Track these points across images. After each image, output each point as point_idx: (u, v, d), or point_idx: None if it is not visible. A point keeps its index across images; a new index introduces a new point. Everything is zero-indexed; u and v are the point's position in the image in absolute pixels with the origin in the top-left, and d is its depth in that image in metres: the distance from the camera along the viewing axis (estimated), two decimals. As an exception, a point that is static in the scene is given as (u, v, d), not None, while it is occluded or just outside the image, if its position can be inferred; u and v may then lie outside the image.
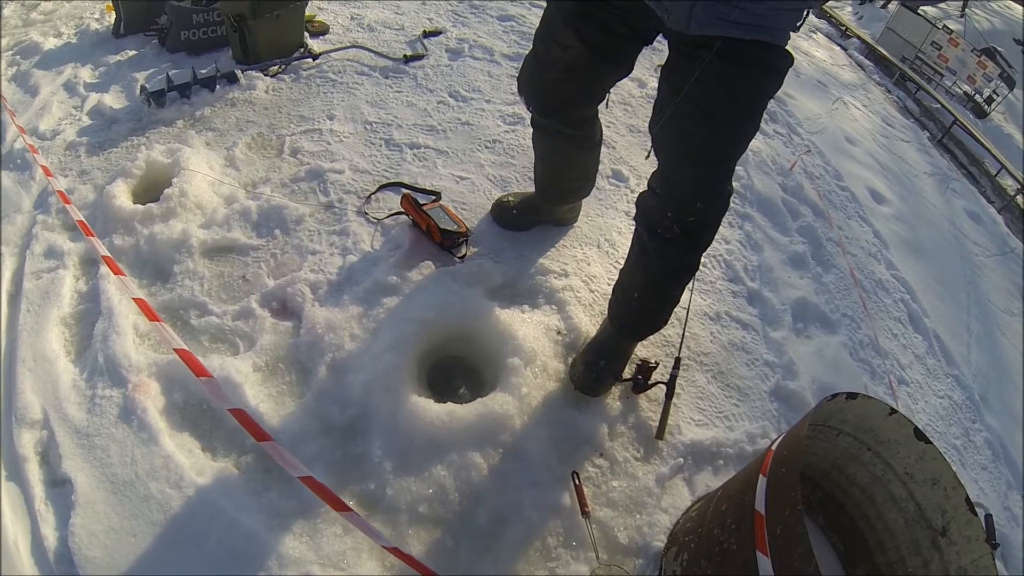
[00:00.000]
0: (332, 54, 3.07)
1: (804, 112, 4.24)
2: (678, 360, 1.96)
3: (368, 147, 2.59)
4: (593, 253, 2.34)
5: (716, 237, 2.27)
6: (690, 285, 2.28)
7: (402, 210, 2.21)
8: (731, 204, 2.54)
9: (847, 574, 1.71)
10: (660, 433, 1.86)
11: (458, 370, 1.97)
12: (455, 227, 2.16)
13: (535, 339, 1.92)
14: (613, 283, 1.93)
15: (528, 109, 1.85)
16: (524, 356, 1.85)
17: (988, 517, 1.50)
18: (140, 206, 2.09)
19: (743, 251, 2.70)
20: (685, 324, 2.19)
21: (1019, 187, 5.52)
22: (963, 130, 6.08)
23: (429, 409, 1.69)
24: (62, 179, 2.24)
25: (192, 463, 1.60)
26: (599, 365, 1.87)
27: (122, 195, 2.10)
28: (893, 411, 1.44)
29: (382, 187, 2.37)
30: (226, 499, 1.55)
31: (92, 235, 1.68)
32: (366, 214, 2.24)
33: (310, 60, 2.98)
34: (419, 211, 2.13)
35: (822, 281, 2.78)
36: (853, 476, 1.66)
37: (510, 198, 2.32)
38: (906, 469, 1.52)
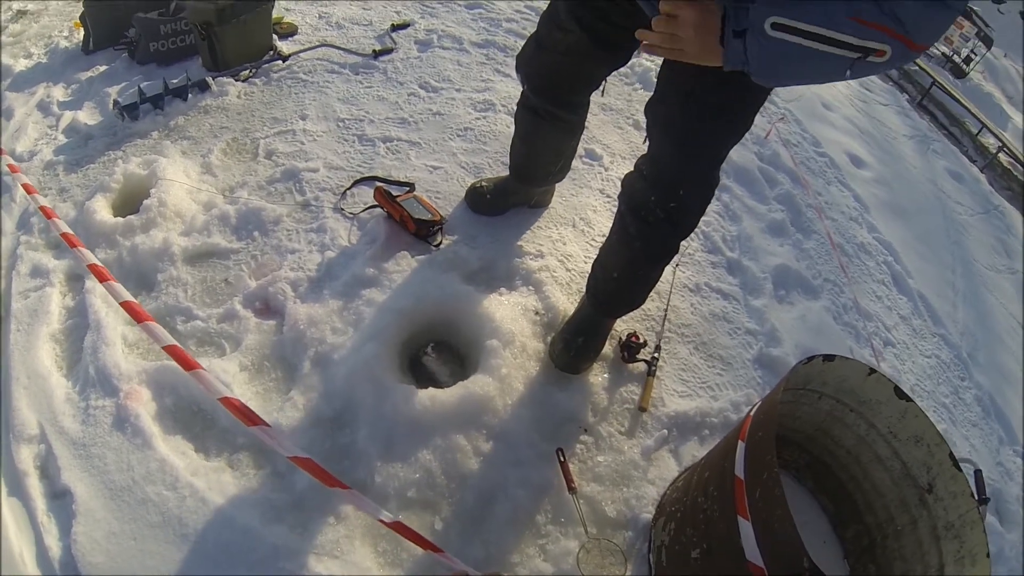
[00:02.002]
0: (302, 54, 3.03)
1: (780, 80, 4.17)
2: (658, 345, 2.01)
3: (341, 144, 2.57)
4: (568, 233, 2.34)
5: None
6: (673, 261, 2.30)
7: (376, 203, 2.20)
8: None
9: (837, 535, 1.72)
10: (644, 403, 1.86)
11: (440, 354, 1.97)
12: (429, 216, 2.15)
13: (513, 320, 1.93)
14: (590, 261, 1.93)
15: (523, 86, 1.84)
16: (503, 338, 1.86)
17: (978, 473, 1.50)
18: (120, 219, 2.09)
19: (721, 221, 2.69)
20: (668, 300, 2.20)
21: (1000, 145, 5.50)
22: (942, 91, 6.02)
23: (411, 395, 1.70)
24: (42, 199, 2.22)
25: (186, 464, 1.62)
26: (578, 342, 1.88)
27: (102, 209, 2.10)
28: (872, 371, 1.44)
29: (356, 182, 2.36)
30: (221, 497, 1.56)
31: (79, 245, 1.67)
32: (342, 210, 2.24)
33: (280, 62, 2.95)
34: (392, 203, 2.13)
35: (802, 247, 2.77)
36: (838, 438, 1.66)
37: (483, 183, 2.31)
38: (889, 428, 1.52)
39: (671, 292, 2.23)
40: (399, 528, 1.33)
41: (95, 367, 1.76)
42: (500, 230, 2.25)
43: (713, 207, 2.71)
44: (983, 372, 2.73)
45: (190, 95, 2.62)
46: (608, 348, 2.00)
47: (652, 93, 1.50)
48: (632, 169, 1.61)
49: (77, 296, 1.94)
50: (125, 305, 1.53)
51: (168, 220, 2.09)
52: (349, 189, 2.33)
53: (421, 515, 1.58)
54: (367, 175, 2.40)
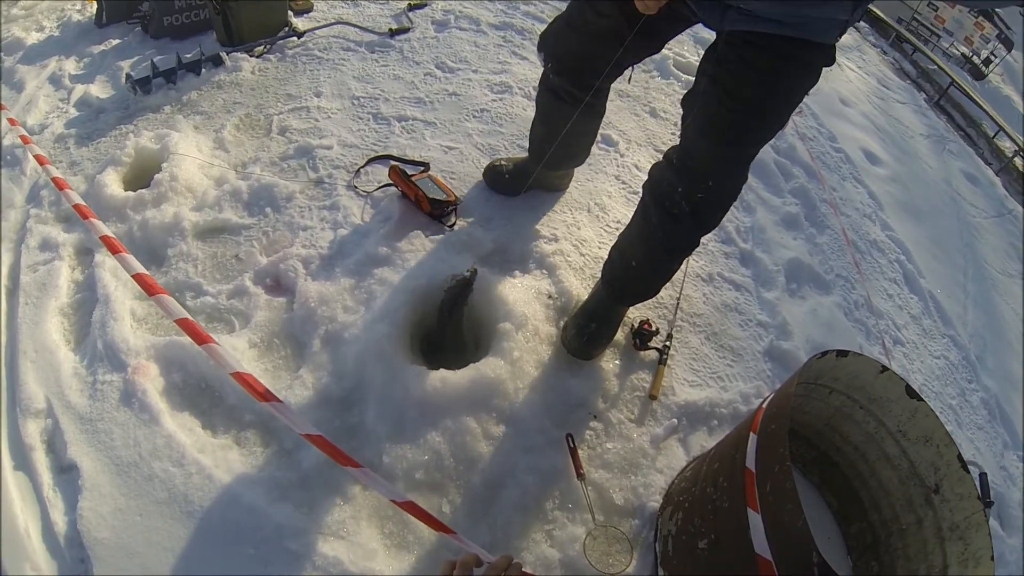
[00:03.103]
0: (317, 31, 2.96)
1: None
2: (670, 334, 1.95)
3: (356, 122, 2.49)
4: (583, 218, 2.27)
5: None
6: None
7: (391, 182, 2.13)
8: None
9: (842, 532, 1.66)
10: (655, 391, 1.80)
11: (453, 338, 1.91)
12: (444, 196, 2.08)
13: (526, 304, 1.86)
14: (604, 247, 1.89)
15: (545, 66, 1.77)
16: (515, 321, 1.79)
17: (983, 476, 1.47)
18: (131, 193, 2.03)
19: (735, 212, 2.60)
20: (681, 289, 2.13)
21: (1017, 149, 5.31)
22: (960, 92, 5.84)
23: (422, 376, 1.65)
24: (54, 170, 2.17)
25: (193, 441, 1.58)
26: (590, 328, 1.82)
27: (113, 183, 2.04)
28: (884, 369, 1.38)
29: (371, 160, 2.29)
30: (227, 474, 1.52)
31: (91, 216, 1.61)
32: (355, 188, 2.17)
33: (295, 39, 2.88)
34: (407, 182, 2.06)
35: (815, 242, 2.69)
36: (847, 434, 1.60)
37: (503, 162, 2.24)
38: (899, 427, 1.46)
39: (684, 281, 2.15)
40: (412, 509, 1.28)
41: (103, 341, 1.71)
42: (515, 212, 2.18)
43: None
44: (991, 376, 2.67)
45: (203, 70, 2.55)
46: (620, 335, 1.94)
47: (690, 86, 1.47)
48: (661, 159, 1.56)
49: (86, 270, 1.90)
50: (137, 277, 1.48)
51: (179, 195, 2.03)
52: (363, 167, 2.26)
53: (428, 497, 1.53)
54: (381, 154, 2.34)
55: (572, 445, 1.65)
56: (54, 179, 1.76)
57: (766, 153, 3.01)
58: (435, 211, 2.06)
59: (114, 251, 1.54)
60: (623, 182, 2.50)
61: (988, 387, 2.59)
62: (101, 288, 1.82)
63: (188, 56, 2.53)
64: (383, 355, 1.67)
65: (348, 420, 1.63)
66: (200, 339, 1.38)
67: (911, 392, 1.38)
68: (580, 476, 1.60)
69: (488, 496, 1.56)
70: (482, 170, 2.30)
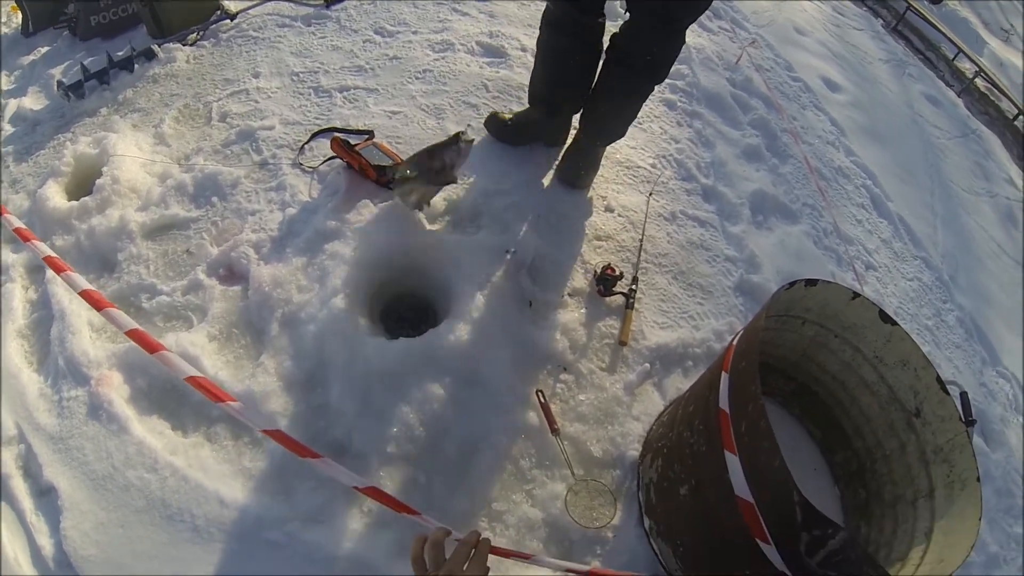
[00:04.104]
0: (250, 11, 2.76)
1: (750, 7, 3.85)
2: (635, 278, 1.88)
3: (297, 98, 2.34)
4: (537, 172, 2.12)
5: (665, 138, 2.47)
6: (647, 192, 2.06)
7: (334, 154, 1.98)
8: (677, 103, 2.60)
9: (827, 461, 1.61)
10: (624, 337, 1.72)
11: (412, 304, 1.81)
12: (389, 161, 1.95)
13: (482, 263, 1.77)
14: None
15: None
16: (472, 281, 1.70)
17: (964, 395, 1.40)
18: (75, 202, 1.92)
19: (694, 148, 2.49)
20: (643, 230, 2.03)
21: (977, 70, 5.12)
22: (917, 16, 5.56)
23: (383, 348, 1.58)
24: None
25: (164, 444, 1.53)
26: (579, 163, 2.07)
27: (55, 196, 1.95)
28: (856, 295, 1.32)
29: (314, 135, 2.15)
30: (202, 473, 1.48)
31: (32, 239, 1.52)
32: (301, 164, 2.04)
33: (228, 21, 2.68)
34: (350, 152, 1.94)
35: (779, 172, 2.58)
36: (823, 364, 1.54)
37: (504, 114, 2.21)
38: (875, 352, 1.41)
39: (646, 221, 2.04)
40: (374, 493, 1.23)
41: (64, 357, 1.65)
42: (466, 170, 2.03)
43: (685, 134, 2.55)
44: (964, 294, 2.62)
45: (136, 66, 2.40)
46: (584, 282, 1.84)
47: None
48: (617, 31, 1.79)
49: (39, 288, 1.83)
50: (84, 294, 1.42)
51: (123, 197, 1.93)
52: (307, 143, 2.13)
53: (403, 469, 1.48)
54: (324, 127, 2.19)
55: (543, 401, 1.59)
56: None
57: (722, 87, 2.89)
58: (381, 178, 1.94)
59: (58, 270, 1.46)
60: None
61: (963, 305, 2.54)
62: (56, 304, 1.75)
63: (119, 54, 2.37)
64: (341, 332, 1.60)
65: (313, 401, 1.56)
66: (151, 348, 1.32)
67: (884, 317, 1.33)
68: (554, 431, 1.54)
69: (463, 462, 1.51)
70: (428, 131, 2.20)
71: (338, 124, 2.20)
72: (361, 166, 1.92)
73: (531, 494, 1.49)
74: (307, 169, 2.02)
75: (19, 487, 1.50)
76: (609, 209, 2.09)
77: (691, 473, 1.23)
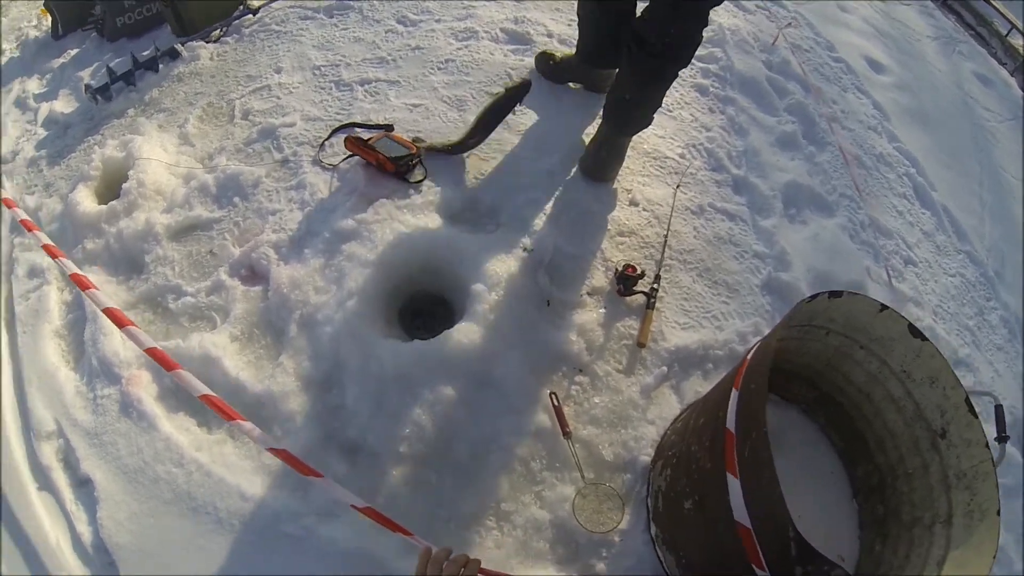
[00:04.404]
0: (272, 4, 2.76)
1: (789, -18, 3.67)
2: (658, 276, 1.83)
3: (318, 92, 2.36)
4: (554, 163, 2.08)
5: (696, 126, 2.38)
6: (674, 184, 2.06)
7: (351, 152, 1.98)
8: (710, 88, 2.52)
9: (848, 473, 1.55)
10: (643, 338, 1.70)
11: (430, 304, 1.83)
12: (404, 151, 1.95)
13: (500, 261, 1.77)
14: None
15: None
16: (489, 281, 1.71)
17: (999, 408, 1.34)
18: (104, 206, 1.99)
19: (726, 136, 2.39)
20: (668, 224, 1.98)
21: None
22: None
23: (397, 350, 1.60)
24: (29, 198, 2.17)
25: (190, 440, 1.60)
26: (602, 155, 2.02)
27: (85, 200, 2.03)
28: (884, 307, 1.25)
29: (334, 131, 2.17)
30: (225, 468, 1.54)
31: (59, 256, 1.60)
32: (321, 162, 2.05)
33: (250, 16, 2.69)
34: (364, 148, 1.92)
35: (815, 161, 2.46)
36: (848, 374, 1.47)
37: (555, 52, 2.31)
38: (903, 367, 1.34)
39: (671, 215, 1.99)
40: (371, 513, 1.28)
41: (97, 357, 1.74)
42: (484, 164, 2.04)
43: (717, 121, 2.44)
44: (1011, 291, 2.45)
45: (161, 66, 2.45)
46: (604, 280, 1.82)
47: None
48: (637, 18, 1.76)
49: (75, 290, 1.91)
50: (107, 312, 1.52)
51: (149, 199, 1.99)
52: (327, 139, 2.14)
53: (415, 469, 1.51)
54: (345, 122, 2.19)
55: (556, 403, 1.58)
56: (22, 221, 1.74)
57: (757, 70, 2.75)
58: (400, 169, 1.93)
59: (83, 288, 1.57)
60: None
61: (1008, 304, 2.40)
62: (89, 306, 1.83)
63: (144, 54, 2.41)
64: (356, 334, 1.63)
65: (330, 401, 1.60)
66: (168, 366, 1.40)
67: (914, 331, 1.26)
68: (566, 435, 1.54)
69: (474, 463, 1.53)
70: (449, 123, 2.18)
71: (358, 118, 2.21)
72: (378, 161, 1.92)
73: (540, 495, 1.50)
74: (327, 167, 2.03)
75: (59, 478, 1.60)
76: (634, 203, 2.04)
77: (696, 488, 1.21)
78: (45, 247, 1.69)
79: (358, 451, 1.54)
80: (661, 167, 2.19)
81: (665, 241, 1.93)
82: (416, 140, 2.07)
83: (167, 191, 2.02)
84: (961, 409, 1.24)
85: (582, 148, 2.12)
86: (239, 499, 1.47)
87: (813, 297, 1.19)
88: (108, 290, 1.83)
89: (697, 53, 2.59)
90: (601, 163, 2.03)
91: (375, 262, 1.72)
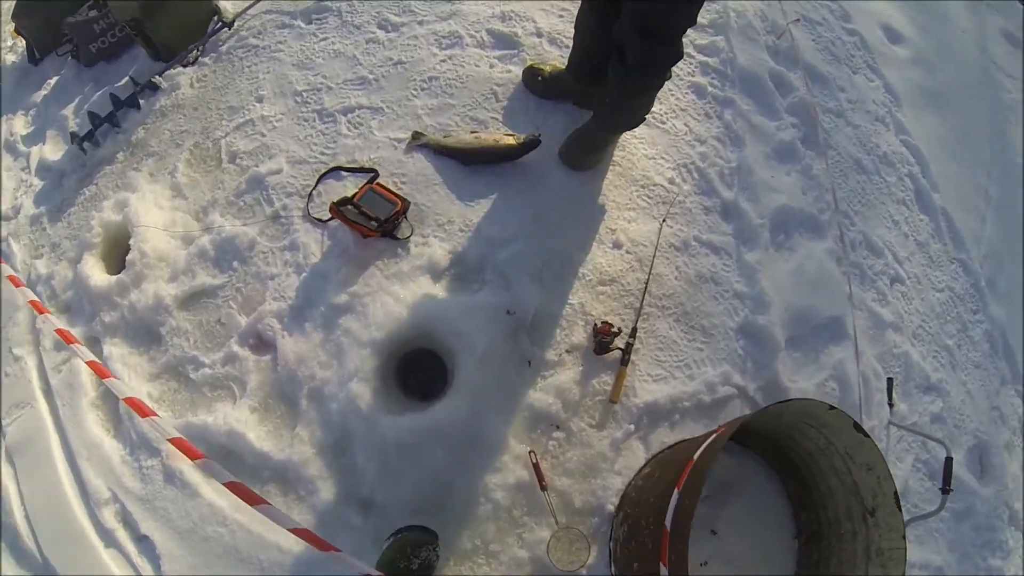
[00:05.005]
0: (249, 12, 2.62)
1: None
2: (634, 330, 1.95)
3: (301, 126, 2.38)
4: (543, 203, 2.13)
5: (689, 139, 2.36)
6: (659, 215, 2.14)
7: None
8: (708, 88, 2.51)
9: (793, 514, 1.80)
10: (614, 396, 1.89)
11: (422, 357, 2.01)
12: (390, 208, 2.03)
13: (483, 329, 1.91)
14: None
15: None
16: (474, 353, 1.88)
17: (948, 461, 1.50)
18: (113, 277, 2.14)
19: (720, 150, 2.37)
20: (651, 268, 2.05)
21: None
22: None
23: (396, 423, 1.81)
24: (39, 263, 2.28)
25: (230, 503, 1.86)
26: (579, 144, 2.11)
27: (94, 271, 2.16)
28: (832, 407, 1.42)
29: (321, 178, 2.22)
30: (262, 526, 1.81)
31: (73, 342, 1.73)
32: (310, 216, 2.12)
33: (227, 30, 2.58)
34: (350, 222, 1.99)
35: (811, 174, 2.42)
36: (800, 441, 1.68)
37: (543, 67, 2.30)
38: (846, 450, 1.54)
39: (654, 258, 2.06)
40: None
41: (134, 430, 1.99)
42: (472, 212, 2.10)
43: (712, 130, 2.42)
44: (1000, 301, 2.50)
45: (142, 101, 2.41)
46: (582, 336, 1.98)
47: None
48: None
49: (101, 358, 2.06)
50: (128, 402, 1.68)
51: (153, 268, 2.12)
52: (314, 189, 2.18)
53: (419, 519, 1.76)
54: (331, 166, 2.24)
55: (535, 461, 1.82)
56: (31, 303, 1.88)
57: (761, 63, 2.63)
58: (386, 228, 2.02)
59: (103, 376, 1.71)
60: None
61: (994, 317, 2.46)
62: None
63: (122, 93, 2.36)
64: (359, 412, 1.84)
65: (342, 463, 1.85)
66: (192, 455, 1.57)
67: (858, 428, 1.44)
68: (543, 488, 1.79)
69: (465, 512, 1.79)
70: (431, 158, 2.23)
71: (343, 158, 2.25)
72: (364, 233, 2.00)
73: (521, 537, 1.78)
74: (317, 223, 2.11)
75: (122, 537, 1.89)
76: (617, 245, 2.10)
77: (641, 559, 1.47)
78: (59, 332, 1.83)
79: (371, 506, 1.81)
80: (648, 197, 2.21)
81: (645, 289, 2.02)
82: (417, 133, 2.20)
83: (169, 257, 2.15)
84: (889, 499, 1.45)
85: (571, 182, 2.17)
86: (277, 552, 1.76)
87: (765, 410, 1.39)
88: (132, 362, 2.04)
89: (698, 43, 2.61)
90: (576, 151, 2.12)
91: (369, 343, 1.89)
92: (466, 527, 1.77)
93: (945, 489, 1.53)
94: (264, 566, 1.76)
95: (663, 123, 2.36)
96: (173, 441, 1.61)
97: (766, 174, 2.36)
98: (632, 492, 1.77)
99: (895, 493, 1.43)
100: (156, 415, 1.61)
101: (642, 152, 2.26)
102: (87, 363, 1.70)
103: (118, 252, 2.18)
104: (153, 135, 2.44)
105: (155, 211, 2.20)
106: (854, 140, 2.61)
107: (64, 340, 1.77)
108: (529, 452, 1.82)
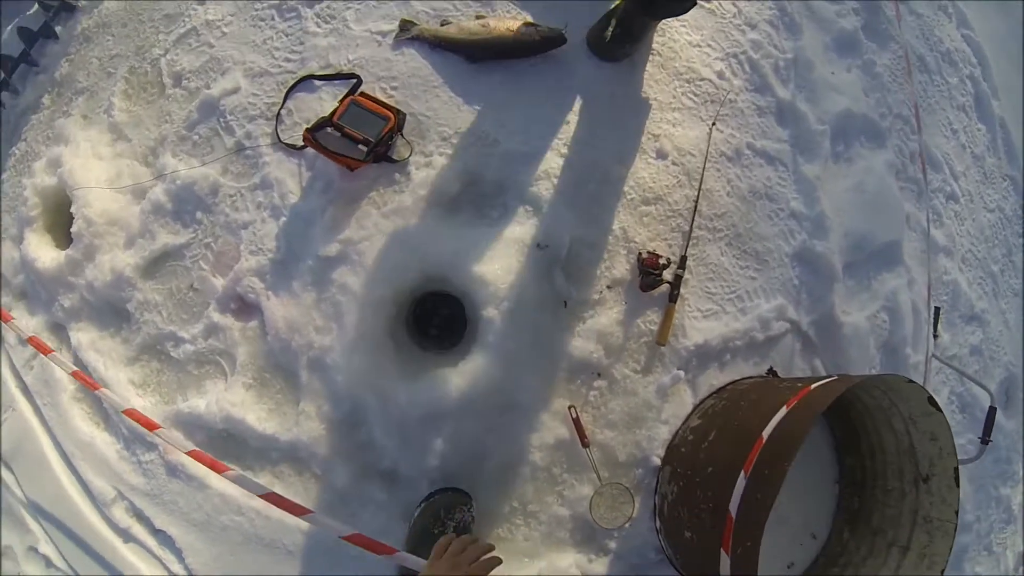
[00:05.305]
0: None
1: None
2: (683, 259, 1.65)
3: (257, 27, 1.89)
4: (569, 115, 1.69)
5: (739, 23, 1.91)
6: (710, 118, 1.79)
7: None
8: None
9: (837, 460, 1.66)
10: (662, 338, 1.62)
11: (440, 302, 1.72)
12: (381, 124, 1.59)
13: (509, 270, 1.56)
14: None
15: None
16: (499, 302, 1.54)
17: (992, 410, 1.42)
18: (61, 255, 1.82)
19: (774, 37, 1.94)
20: (700, 187, 1.70)
21: None
22: None
23: (414, 393, 1.54)
24: None
25: (241, 491, 1.64)
26: (616, 31, 1.65)
27: (40, 249, 1.86)
28: (910, 381, 1.29)
29: (289, 92, 1.78)
30: (279, 510, 1.58)
31: (50, 351, 1.57)
32: (282, 142, 1.73)
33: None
34: (328, 151, 1.56)
35: (874, 71, 2.14)
36: (859, 395, 1.53)
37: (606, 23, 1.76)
38: (911, 415, 1.43)
39: (703, 177, 1.70)
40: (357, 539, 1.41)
41: (124, 425, 1.76)
42: (483, 118, 1.67)
43: (765, 14, 1.95)
44: None
45: (59, 28, 1.93)
46: (625, 268, 1.65)
47: None
48: None
49: (70, 348, 1.83)
50: (128, 414, 1.57)
51: (105, 237, 1.81)
52: (283, 107, 1.75)
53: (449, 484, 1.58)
54: (299, 75, 1.78)
55: (575, 416, 1.59)
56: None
57: None
58: (379, 151, 1.61)
59: (92, 388, 1.63)
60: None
61: None
62: (92, 371, 1.76)
63: (33, 24, 1.90)
64: (370, 384, 1.57)
65: (358, 438, 1.62)
66: (214, 464, 1.51)
67: (932, 402, 1.32)
68: (584, 444, 1.59)
69: (502, 476, 1.60)
70: (427, 54, 1.74)
71: (314, 65, 1.78)
72: (348, 164, 1.59)
73: (561, 494, 1.60)
74: (290, 150, 1.71)
75: (139, 531, 1.76)
76: (662, 155, 1.72)
77: (695, 527, 1.34)
78: (31, 341, 1.60)
79: (395, 479, 1.61)
80: (695, 94, 1.80)
81: (695, 208, 1.68)
82: (405, 22, 1.74)
83: (121, 219, 1.80)
84: (949, 473, 1.37)
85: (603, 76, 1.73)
86: (300, 534, 1.61)
87: (850, 386, 1.22)
88: (104, 347, 1.79)
89: None
90: (613, 38, 1.66)
91: (372, 302, 1.56)
92: (504, 490, 1.59)
93: (985, 440, 1.47)
94: (290, 549, 1.62)
95: (708, 1, 1.87)
96: (191, 454, 1.51)
97: (826, 71, 1.99)
98: (681, 446, 1.56)
99: (956, 470, 1.36)
100: (161, 426, 1.49)
101: (685, 38, 1.81)
102: (72, 373, 1.48)
103: (64, 220, 1.84)
104: (79, 67, 2.00)
105: (95, 164, 1.82)
106: (917, 32, 2.29)
107: (40, 351, 1.51)
108: (569, 407, 1.58)
